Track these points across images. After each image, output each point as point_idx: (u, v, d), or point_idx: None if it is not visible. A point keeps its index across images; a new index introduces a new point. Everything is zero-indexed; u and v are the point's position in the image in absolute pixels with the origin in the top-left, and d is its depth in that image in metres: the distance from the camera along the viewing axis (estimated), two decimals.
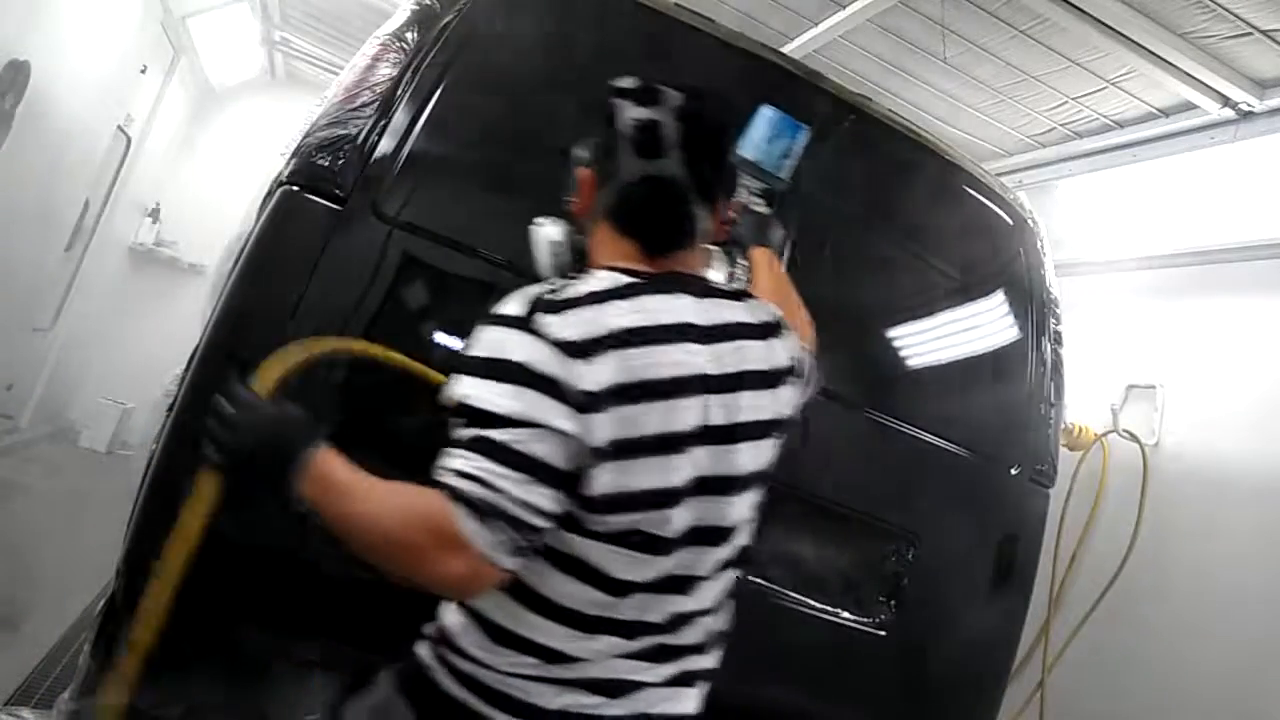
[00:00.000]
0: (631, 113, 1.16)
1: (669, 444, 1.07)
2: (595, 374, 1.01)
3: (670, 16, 2.25)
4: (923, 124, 3.02)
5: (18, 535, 3.70)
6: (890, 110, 2.53)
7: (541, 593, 1.09)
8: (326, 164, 1.84)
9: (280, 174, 1.90)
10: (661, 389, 1.06)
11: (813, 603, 2.11)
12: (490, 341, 1.04)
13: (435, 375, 1.53)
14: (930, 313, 2.41)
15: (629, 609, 1.10)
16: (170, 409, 1.87)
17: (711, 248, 1.30)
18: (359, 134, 1.85)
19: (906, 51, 4.16)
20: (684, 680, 1.19)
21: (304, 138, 1.90)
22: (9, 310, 4.96)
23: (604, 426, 1.01)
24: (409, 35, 2.01)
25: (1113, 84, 3.85)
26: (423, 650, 1.16)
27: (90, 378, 6.74)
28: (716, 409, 1.11)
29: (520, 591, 1.08)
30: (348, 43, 5.97)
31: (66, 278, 5.94)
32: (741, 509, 1.17)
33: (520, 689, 1.07)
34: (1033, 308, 2.46)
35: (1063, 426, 2.59)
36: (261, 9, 6.33)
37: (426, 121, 1.91)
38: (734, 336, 1.15)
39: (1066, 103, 4.14)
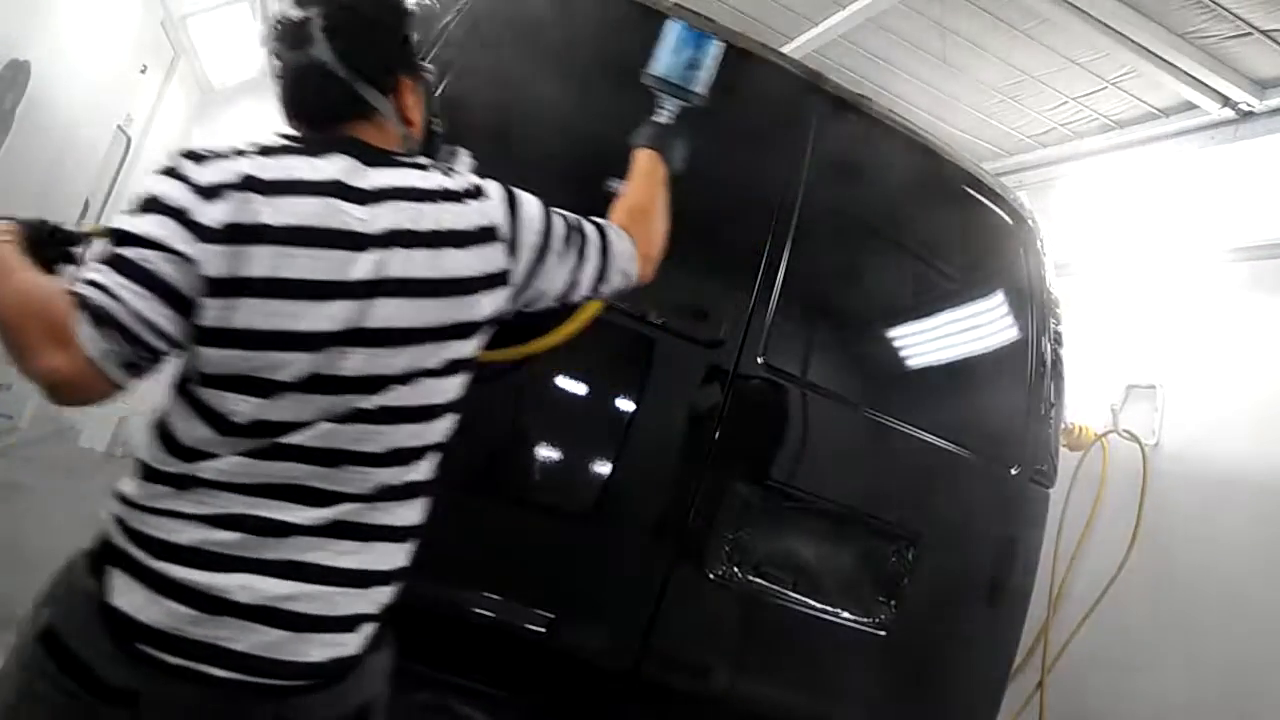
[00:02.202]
0: (285, 15, 1.27)
1: (283, 288, 1.12)
2: (214, 211, 1.11)
3: (670, 16, 2.24)
4: (923, 124, 3.02)
5: (18, 535, 3.70)
6: (890, 110, 2.53)
7: (170, 426, 1.16)
8: None
9: None
10: (281, 235, 1.12)
11: (813, 603, 2.11)
12: (146, 187, 1.15)
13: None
14: (930, 313, 2.41)
15: (252, 445, 1.15)
16: None
17: (399, 125, 1.32)
18: None
19: (906, 51, 4.16)
20: (346, 530, 1.20)
21: None
22: None
23: (217, 259, 1.10)
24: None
25: (1113, 84, 3.85)
26: (103, 513, 1.20)
27: None
28: (367, 263, 1.16)
29: (159, 427, 1.17)
30: None
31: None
32: (397, 361, 1.20)
33: (155, 525, 1.13)
34: (1033, 308, 2.46)
35: (1063, 426, 2.59)
36: (261, 9, 6.34)
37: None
38: (400, 198, 1.20)
39: (1066, 103, 4.15)
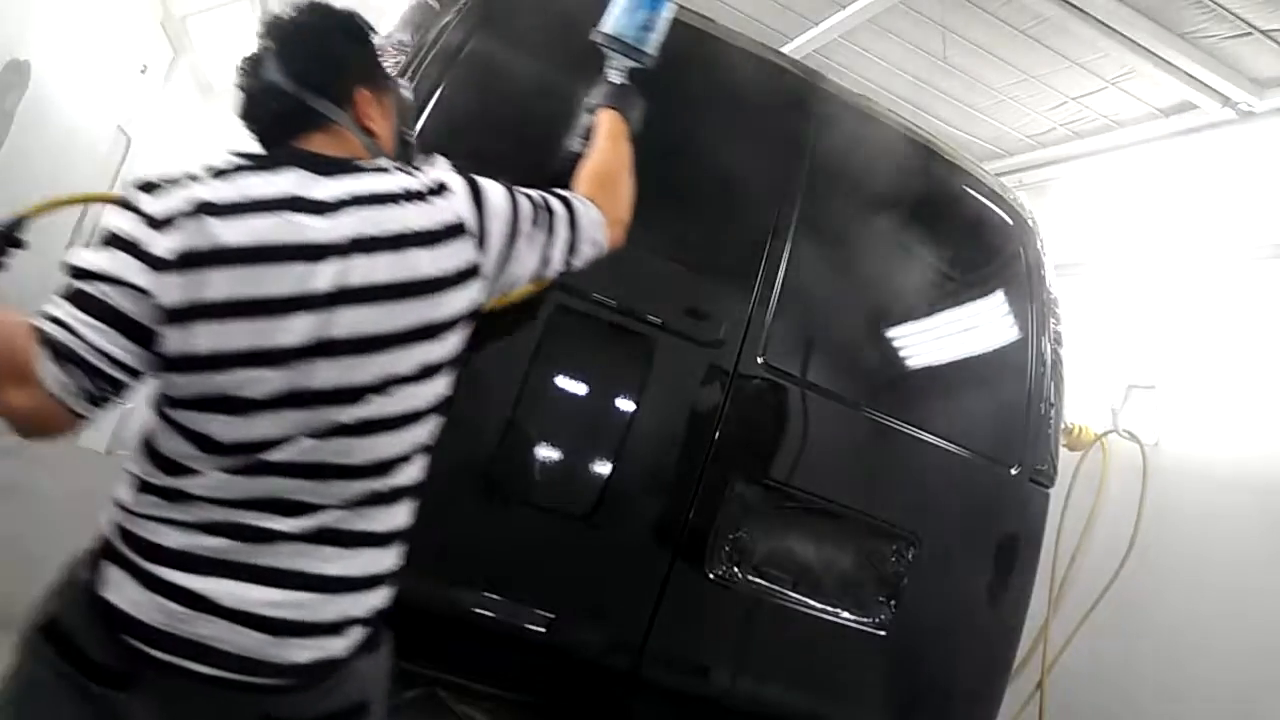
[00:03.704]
0: (248, 51, 1.32)
1: (244, 308, 1.13)
2: (168, 240, 1.11)
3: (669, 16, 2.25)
4: (923, 124, 3.02)
5: (18, 535, 3.70)
6: (890, 110, 2.53)
7: (155, 443, 1.19)
8: None
9: None
10: (240, 255, 1.13)
11: (812, 602, 2.11)
12: (105, 220, 1.17)
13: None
14: (930, 312, 2.41)
15: (235, 462, 1.16)
16: None
17: (356, 129, 1.33)
18: None
19: (907, 51, 4.16)
20: (329, 537, 1.21)
21: None
22: (9, 308, 4.95)
23: (173, 289, 1.11)
24: (409, 35, 2.02)
25: (1113, 84, 3.85)
26: (101, 516, 1.23)
27: None
28: (327, 274, 1.16)
29: (146, 444, 1.20)
30: None
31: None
32: (369, 370, 1.20)
33: (146, 529, 1.16)
34: (1033, 308, 2.46)
35: (1063, 426, 2.59)
36: (261, 9, 6.33)
37: (427, 120, 1.91)
38: (359, 204, 1.21)
39: (1067, 103, 4.15)
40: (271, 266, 1.14)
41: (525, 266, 1.38)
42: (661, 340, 2.02)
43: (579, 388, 2.07)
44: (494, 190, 1.35)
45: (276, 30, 1.30)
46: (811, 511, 2.14)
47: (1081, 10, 3.29)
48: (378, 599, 1.27)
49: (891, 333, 2.37)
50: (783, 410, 2.13)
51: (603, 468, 1.98)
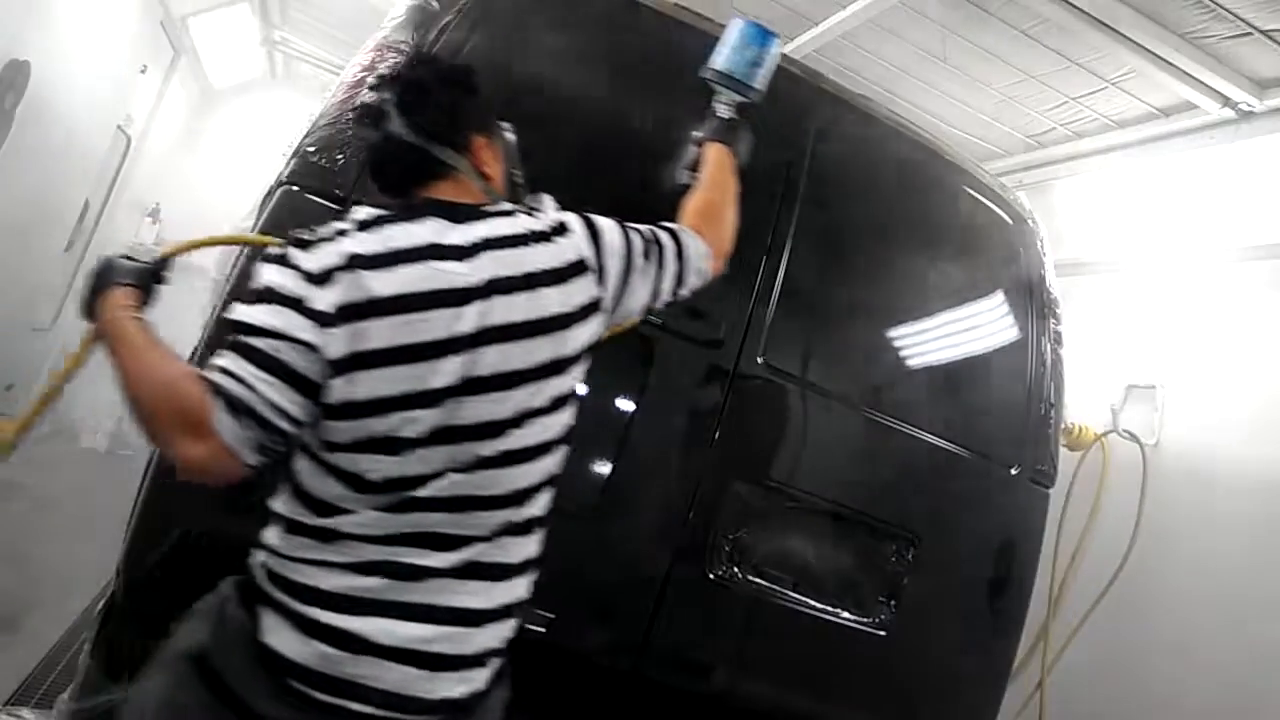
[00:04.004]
0: (364, 98, 1.38)
1: (401, 355, 1.19)
2: (328, 296, 1.17)
3: (670, 16, 2.25)
4: (923, 124, 3.02)
5: (18, 535, 3.70)
6: (891, 110, 2.53)
7: (305, 486, 1.23)
8: (326, 164, 1.85)
9: (280, 174, 1.90)
10: (391, 306, 1.19)
11: (813, 603, 2.11)
12: (257, 275, 1.22)
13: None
14: (930, 312, 2.41)
15: (387, 500, 1.21)
16: None
17: (478, 177, 1.39)
18: None
19: (907, 51, 4.16)
20: (475, 571, 1.26)
21: (304, 138, 1.90)
22: (9, 310, 4.96)
23: (338, 341, 1.16)
24: (409, 36, 2.02)
25: (1113, 84, 3.85)
26: (251, 559, 1.28)
27: (90, 378, 6.73)
28: (471, 316, 1.22)
29: (295, 487, 1.24)
30: (348, 43, 5.97)
31: (66, 278, 5.94)
32: (508, 404, 1.26)
33: (300, 572, 1.21)
34: (1033, 308, 2.46)
35: (1063, 426, 2.59)
36: (261, 9, 6.34)
37: None
38: (493, 247, 1.27)
39: (1067, 103, 4.15)
40: (423, 313, 1.20)
41: (639, 299, 1.46)
42: (661, 340, 2.02)
43: (579, 387, 2.07)
44: (609, 227, 1.42)
45: (394, 84, 1.35)
46: (811, 512, 2.14)
47: (1081, 10, 3.29)
48: (510, 629, 1.34)
49: (891, 333, 2.37)
50: (783, 410, 2.13)
51: (603, 467, 1.98)
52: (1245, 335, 3.60)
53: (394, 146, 1.33)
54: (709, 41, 2.23)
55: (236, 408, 1.12)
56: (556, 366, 1.30)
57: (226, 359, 1.15)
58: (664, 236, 1.50)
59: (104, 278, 1.33)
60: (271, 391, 1.13)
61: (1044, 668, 3.62)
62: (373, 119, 1.35)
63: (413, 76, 1.38)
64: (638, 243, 1.45)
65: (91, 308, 1.32)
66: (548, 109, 2.02)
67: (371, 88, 1.38)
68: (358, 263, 1.19)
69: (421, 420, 1.20)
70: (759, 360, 2.08)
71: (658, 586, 1.99)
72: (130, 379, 1.16)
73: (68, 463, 5.75)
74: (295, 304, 1.16)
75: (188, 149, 7.48)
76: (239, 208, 5.37)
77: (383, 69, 1.90)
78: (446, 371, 1.20)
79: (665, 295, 1.51)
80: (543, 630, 1.89)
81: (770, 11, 4.13)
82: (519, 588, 1.34)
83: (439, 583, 1.23)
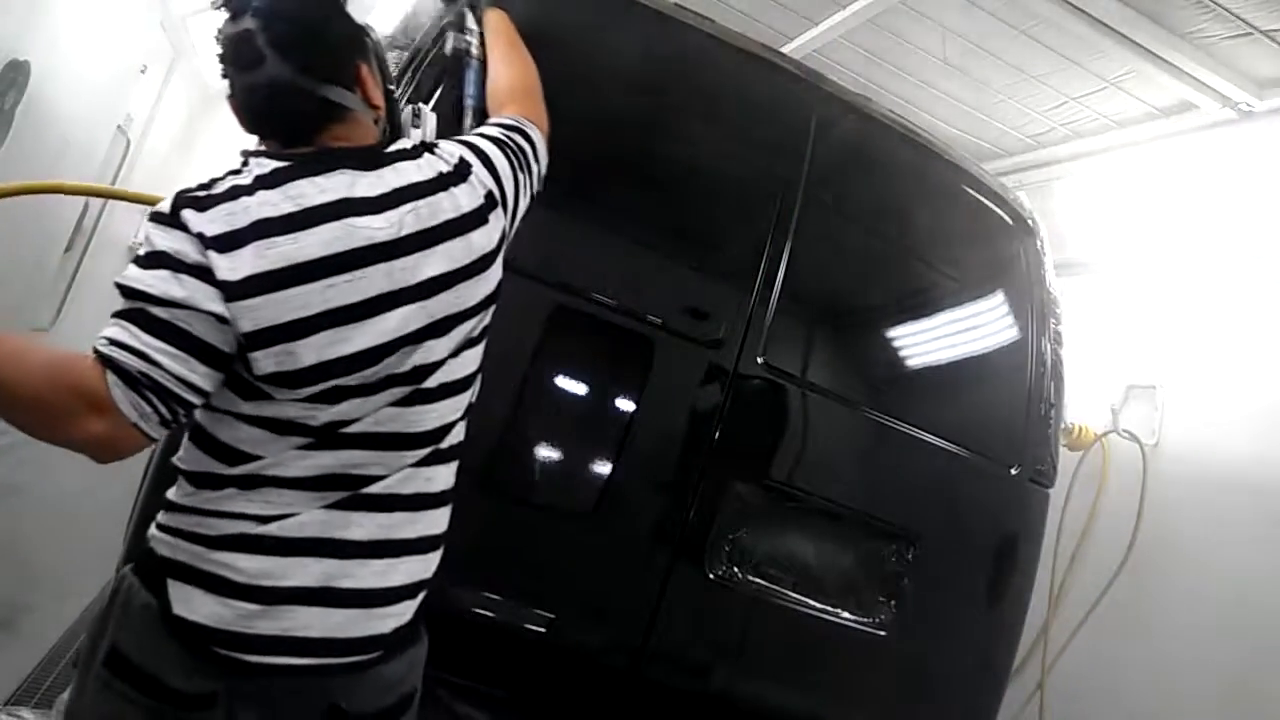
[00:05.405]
0: (222, 29, 1.23)
1: (337, 316, 1.12)
2: (236, 265, 1.07)
3: (671, 16, 2.25)
4: (923, 124, 3.02)
5: (17, 535, 3.70)
6: (890, 110, 2.53)
7: (217, 436, 1.17)
8: None
9: None
10: (314, 270, 1.11)
11: (813, 603, 2.11)
12: (147, 238, 1.12)
13: (141, 195, 1.52)
14: (930, 313, 2.41)
15: (311, 440, 1.16)
16: None
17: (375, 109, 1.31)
18: None
19: (907, 51, 4.15)
20: (398, 502, 1.23)
21: None
22: (8, 310, 4.96)
23: (252, 313, 1.08)
24: (408, 35, 2.01)
25: (1113, 84, 3.84)
26: (150, 533, 1.22)
27: None
28: (400, 272, 1.17)
29: (204, 439, 1.18)
30: None
31: (66, 278, 5.94)
32: (451, 342, 1.25)
33: (209, 525, 1.15)
34: (1033, 308, 2.46)
35: (1063, 426, 2.59)
36: None
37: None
38: (410, 198, 1.21)
39: (1066, 103, 4.14)
40: (351, 274, 1.14)
41: (519, 214, 1.43)
42: (661, 340, 2.02)
43: (579, 387, 2.07)
44: (495, 153, 1.38)
45: (272, 14, 1.20)
46: (811, 511, 2.14)
47: (1081, 10, 3.29)
48: (438, 560, 1.31)
49: (891, 333, 2.37)
50: (783, 410, 2.13)
51: (603, 467, 1.98)
52: (1245, 335, 3.60)
53: (282, 93, 1.20)
54: (708, 41, 2.24)
55: (137, 381, 1.04)
56: (490, 300, 1.30)
57: (118, 329, 1.06)
58: (522, 141, 1.46)
59: None
60: (176, 365, 1.05)
61: (1044, 668, 3.63)
62: (244, 58, 1.20)
63: (279, 5, 1.21)
64: (513, 158, 1.41)
65: None
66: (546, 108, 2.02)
67: (231, 15, 1.21)
68: (268, 227, 1.10)
69: (370, 372, 1.16)
70: (759, 360, 2.08)
71: (658, 586, 1.99)
72: (14, 379, 1.04)
73: (67, 463, 5.74)
74: (199, 272, 1.06)
75: (187, 149, 7.47)
76: None
77: None
78: (392, 327, 1.16)
79: (528, 200, 1.47)
80: (543, 630, 1.89)
81: (770, 11, 4.13)
82: (443, 519, 1.31)
83: (363, 516, 1.19)
